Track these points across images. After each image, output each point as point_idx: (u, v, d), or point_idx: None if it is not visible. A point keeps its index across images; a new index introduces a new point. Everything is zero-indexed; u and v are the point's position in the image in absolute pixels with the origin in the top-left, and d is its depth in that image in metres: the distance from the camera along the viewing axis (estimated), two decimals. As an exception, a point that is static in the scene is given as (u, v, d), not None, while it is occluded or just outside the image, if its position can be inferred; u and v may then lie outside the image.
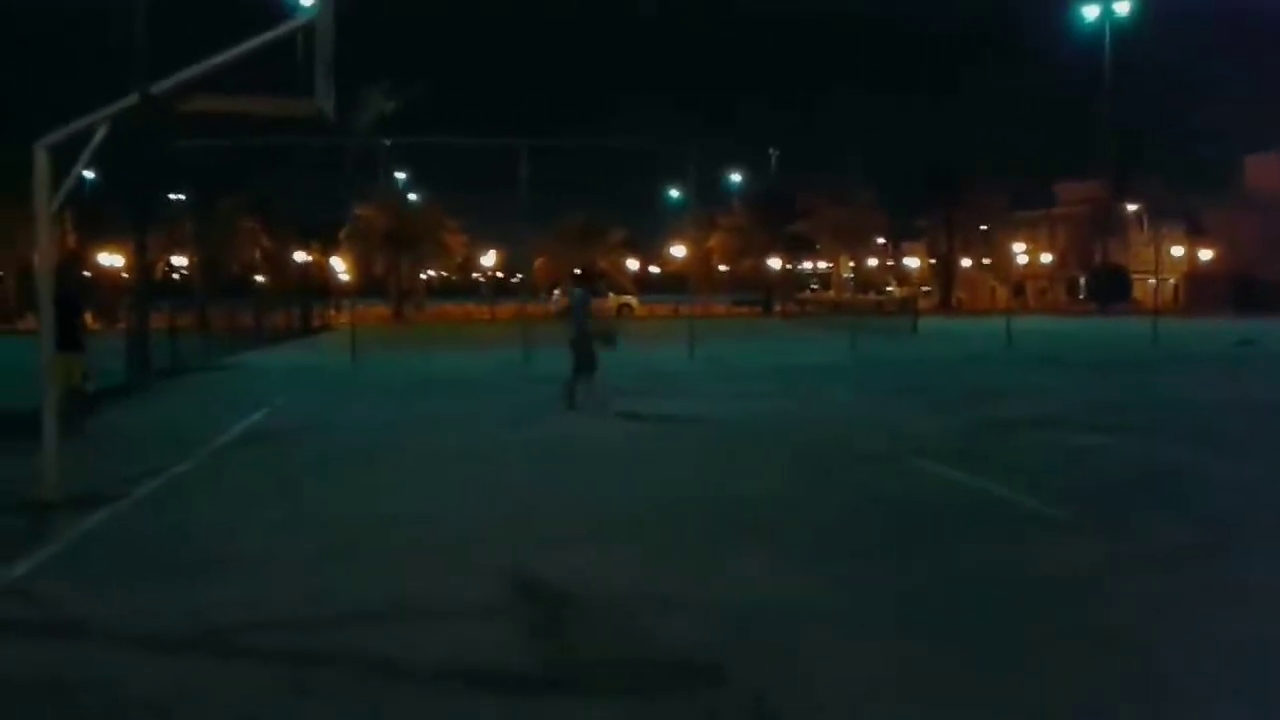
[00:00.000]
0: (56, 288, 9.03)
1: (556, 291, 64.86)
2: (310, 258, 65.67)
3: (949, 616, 5.36)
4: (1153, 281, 61.13)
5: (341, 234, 62.47)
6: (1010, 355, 24.46)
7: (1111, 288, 65.15)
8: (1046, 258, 77.76)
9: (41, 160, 8.31)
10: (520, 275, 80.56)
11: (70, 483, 8.22)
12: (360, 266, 64.05)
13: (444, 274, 76.43)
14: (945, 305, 71.05)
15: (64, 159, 8.58)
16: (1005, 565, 6.30)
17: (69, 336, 11.95)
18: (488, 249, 77.49)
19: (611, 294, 62.75)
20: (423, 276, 70.07)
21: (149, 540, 7.12)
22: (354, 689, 4.49)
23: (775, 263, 73.36)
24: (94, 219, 46.67)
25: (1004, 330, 28.62)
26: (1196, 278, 67.69)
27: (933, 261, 79.34)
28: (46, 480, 8.12)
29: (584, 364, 14.01)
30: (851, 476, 9.35)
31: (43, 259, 8.77)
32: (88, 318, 13.00)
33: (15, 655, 4.99)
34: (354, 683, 4.56)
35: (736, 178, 72.91)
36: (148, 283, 22.71)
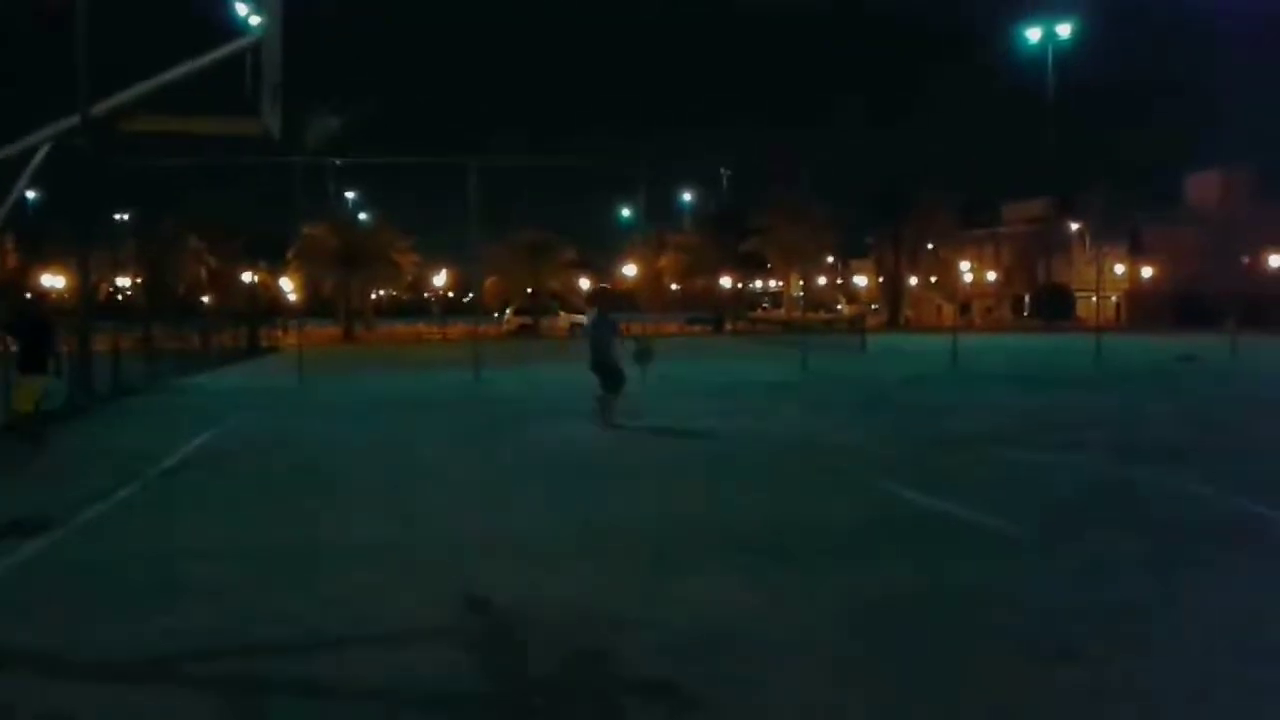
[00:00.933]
0: (28, 312, 8.89)
1: (508, 310, 64.73)
2: (257, 278, 64.99)
3: (903, 632, 5.39)
4: (1095, 299, 62.37)
5: (290, 253, 61.89)
6: (957, 373, 24.77)
7: (1055, 305, 66.33)
8: (992, 276, 79.03)
9: (-20, 180, 8.16)
10: (471, 294, 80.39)
11: (10, 507, 8.03)
12: (309, 286, 63.49)
13: (394, 293, 75.97)
14: (893, 323, 71.86)
15: (4, 178, 8.44)
16: (957, 580, 6.35)
17: (36, 359, 11.92)
18: (439, 268, 77.25)
19: (562, 313, 62.73)
20: (373, 296, 69.57)
21: (91, 567, 6.96)
22: (304, 716, 4.41)
23: (726, 281, 73.83)
24: (36, 239, 45.87)
25: (950, 348, 28.97)
26: (1138, 295, 69.06)
27: (881, 280, 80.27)
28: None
29: (614, 382, 14.37)
30: (805, 494, 9.40)
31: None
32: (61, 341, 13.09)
33: (-49, 688, 4.84)
34: (304, 710, 4.49)
35: (688, 196, 73.37)
36: (91, 303, 22.33)
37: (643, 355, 15.23)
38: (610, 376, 14.42)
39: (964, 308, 76.16)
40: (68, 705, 4.59)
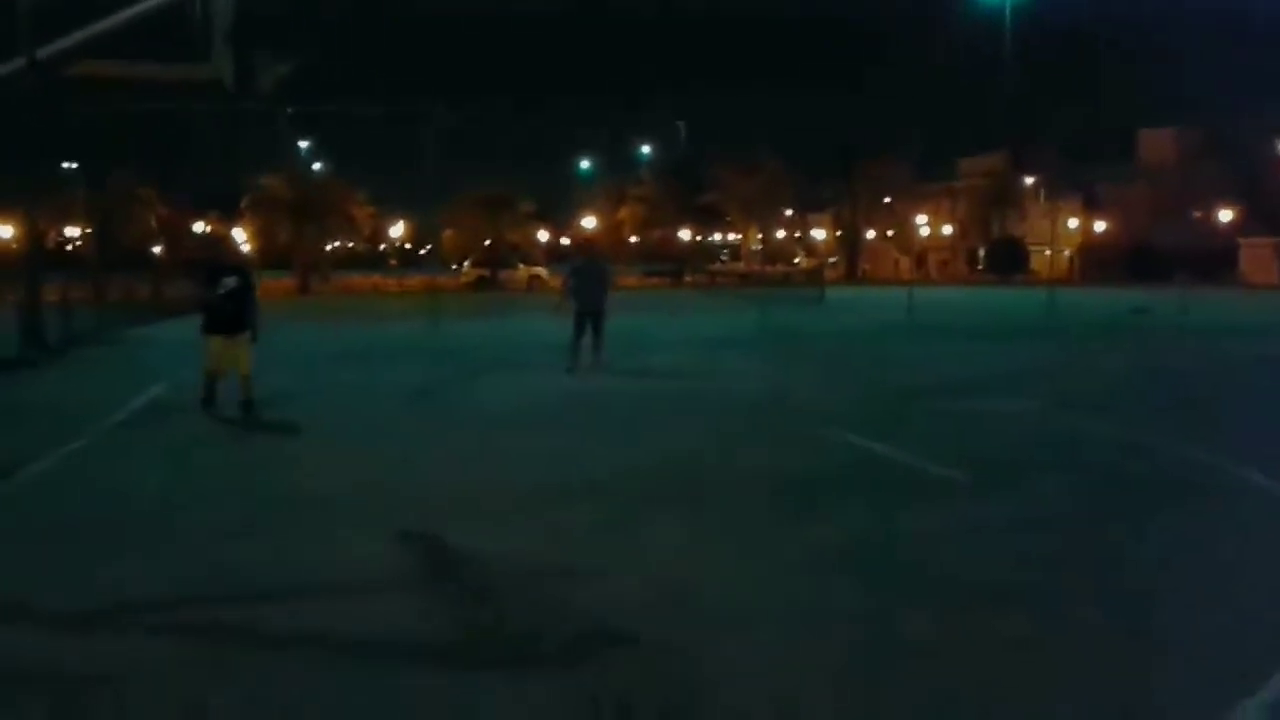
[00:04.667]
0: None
1: (466, 262, 64.27)
2: (210, 229, 63.97)
3: (854, 576, 5.51)
4: (1049, 253, 63.04)
5: (243, 204, 60.92)
6: (913, 325, 25.03)
7: (1009, 259, 66.94)
8: (948, 230, 79.57)
9: (-79, 125, 7.95)
10: (429, 247, 79.72)
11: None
12: (263, 238, 62.53)
13: (350, 245, 75.09)
14: (851, 276, 72.22)
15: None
16: (905, 526, 6.49)
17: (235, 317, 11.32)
18: (395, 221, 76.40)
19: (521, 265, 62.40)
20: (328, 248, 68.68)
21: (45, 518, 6.91)
22: (272, 665, 4.45)
23: (685, 234, 73.75)
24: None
25: (907, 300, 29.23)
26: (1091, 249, 69.87)
27: (839, 233, 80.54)
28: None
29: (601, 329, 14.82)
30: (760, 443, 9.50)
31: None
32: None
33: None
34: (259, 659, 4.53)
35: (646, 149, 72.90)
36: (38, 253, 21.91)
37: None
38: (601, 324, 14.82)
39: (920, 261, 76.73)
40: (25, 651, 4.58)
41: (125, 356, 18.92)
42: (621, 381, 13.91)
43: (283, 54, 10.19)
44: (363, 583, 5.53)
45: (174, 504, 7.28)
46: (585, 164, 75.54)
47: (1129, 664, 4.36)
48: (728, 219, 74.14)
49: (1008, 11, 59.98)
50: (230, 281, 11.26)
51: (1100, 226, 70.62)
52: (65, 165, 41.31)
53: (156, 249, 58.01)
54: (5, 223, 45.72)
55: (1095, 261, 66.89)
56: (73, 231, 47.58)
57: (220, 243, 11.88)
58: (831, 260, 77.13)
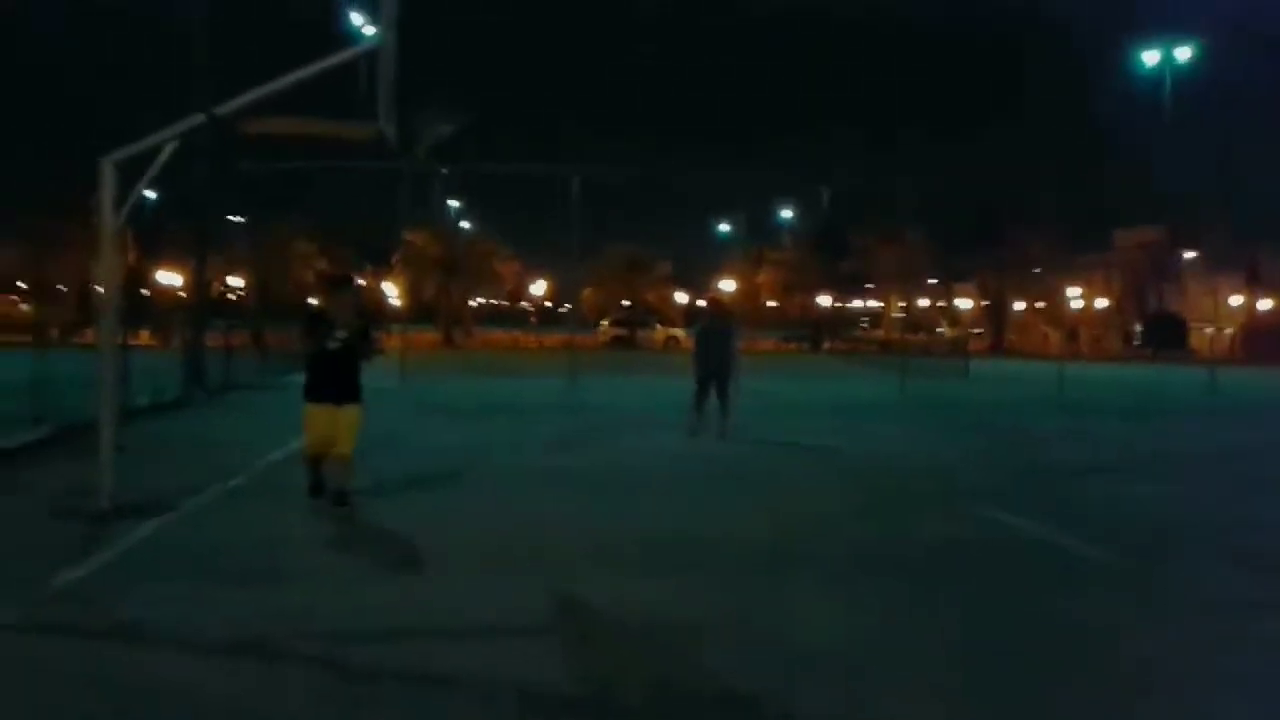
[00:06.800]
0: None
1: (604, 322, 65.11)
2: (364, 282, 66.48)
3: (996, 659, 5.26)
4: (1210, 330, 60.16)
5: (394, 259, 63.21)
6: (1064, 400, 24.09)
7: (1167, 335, 64.09)
8: (1102, 303, 76.74)
9: (108, 175, 8.46)
10: (568, 305, 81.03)
11: (124, 493, 8.33)
12: (412, 292, 64.67)
13: (493, 301, 77.00)
14: (996, 347, 70.25)
15: (126, 177, 8.72)
16: (1052, 609, 6.17)
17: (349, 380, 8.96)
18: (537, 278, 78.10)
19: (659, 326, 62.85)
20: (472, 303, 70.57)
21: (200, 550, 7.19)
22: (404, 703, 4.50)
23: (825, 300, 73.09)
24: (153, 237, 47.63)
25: (1057, 375, 28.20)
26: (1255, 327, 66.38)
27: (985, 303, 78.52)
28: (102, 490, 8.23)
29: (730, 392, 14.35)
30: (899, 514, 9.23)
31: (105, 274, 8.87)
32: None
33: (71, 655, 5.08)
34: (403, 696, 4.58)
35: (787, 213, 72.82)
36: (204, 301, 23.10)
37: None
38: (727, 386, 14.35)
39: (1071, 334, 74.13)
40: (173, 677, 4.75)
41: (280, 401, 19.65)
42: (754, 446, 13.74)
43: (445, 116, 10.52)
44: (493, 628, 5.58)
45: (319, 542, 7.50)
46: (724, 226, 75.95)
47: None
48: (869, 286, 73.18)
49: (1168, 79, 58.19)
50: (343, 334, 8.69)
51: (1265, 304, 67.14)
52: (231, 218, 43.57)
53: (313, 300, 60.54)
54: (176, 271, 48.46)
55: (1259, 340, 63.47)
56: (235, 281, 50.00)
57: (341, 284, 10.04)
58: (976, 331, 75.24)
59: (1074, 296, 76.28)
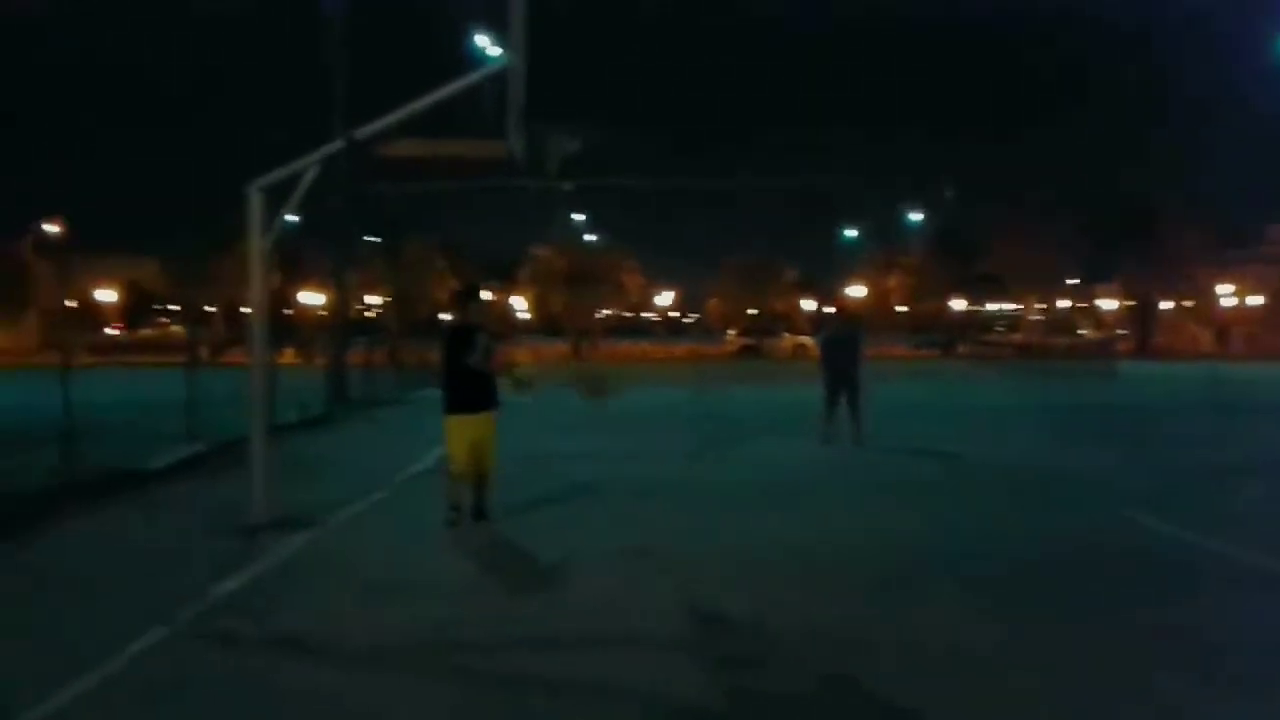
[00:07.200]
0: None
1: (731, 331, 64.93)
2: (494, 297, 67.85)
3: (1163, 675, 5.00)
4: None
5: (521, 274, 64.33)
6: (1219, 402, 22.90)
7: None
8: (1255, 300, 72.80)
9: (256, 201, 8.81)
10: (695, 315, 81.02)
11: (276, 508, 8.63)
12: (539, 305, 65.71)
13: (619, 313, 77.57)
14: (1142, 349, 67.37)
15: (271, 202, 9.05)
16: (1220, 621, 5.84)
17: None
18: (663, 289, 78.38)
19: (787, 334, 62.31)
20: (598, 315, 71.24)
21: (348, 563, 7.40)
22: (544, 712, 4.53)
23: (959, 304, 71.35)
24: (295, 259, 49.51)
25: (1210, 376, 26.89)
26: None
27: (1130, 304, 75.35)
28: (255, 505, 8.55)
29: (858, 396, 14.19)
30: (1050, 525, 8.88)
31: (255, 296, 9.19)
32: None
33: (230, 663, 5.29)
34: (544, 705, 4.62)
35: (916, 216, 71.32)
36: (346, 320, 23.89)
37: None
38: (857, 393, 14.18)
39: (1221, 334, 70.56)
40: (328, 684, 4.92)
41: (418, 416, 20.15)
42: (889, 453, 13.44)
43: (572, 132, 10.59)
44: (635, 638, 5.60)
45: (463, 554, 7.65)
46: (851, 232, 74.86)
47: None
48: (1005, 288, 71.08)
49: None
50: (483, 338, 8.78)
51: None
52: (368, 238, 45.06)
53: (447, 316, 62.04)
54: (316, 291, 50.28)
55: None
56: (373, 299, 51.59)
57: (473, 295, 9.89)
58: (1121, 332, 72.31)
59: (1225, 294, 72.58)
